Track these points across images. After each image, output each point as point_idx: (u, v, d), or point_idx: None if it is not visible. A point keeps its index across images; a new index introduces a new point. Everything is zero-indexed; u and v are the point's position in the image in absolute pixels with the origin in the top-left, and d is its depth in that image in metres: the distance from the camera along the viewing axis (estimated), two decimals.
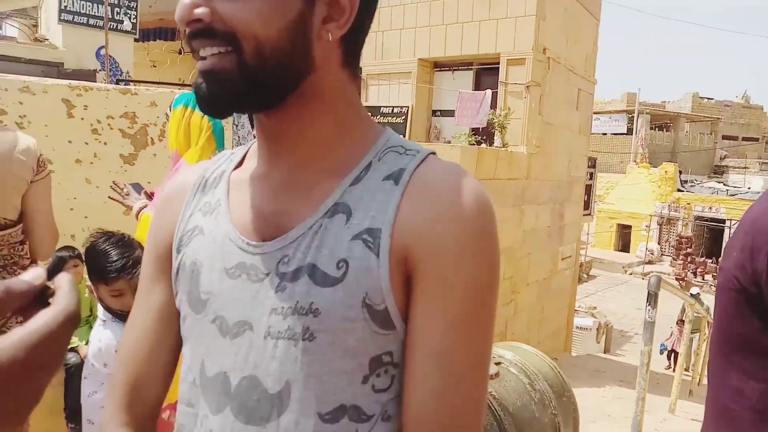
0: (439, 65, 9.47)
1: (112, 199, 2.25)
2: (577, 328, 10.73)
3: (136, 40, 5.90)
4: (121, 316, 1.90)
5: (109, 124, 2.97)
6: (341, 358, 0.65)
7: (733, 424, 0.91)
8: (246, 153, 0.81)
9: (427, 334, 0.65)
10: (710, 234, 23.09)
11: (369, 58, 9.30)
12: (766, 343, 0.86)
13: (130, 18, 5.52)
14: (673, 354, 11.08)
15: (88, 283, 1.94)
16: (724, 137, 37.89)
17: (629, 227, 24.80)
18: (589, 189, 11.11)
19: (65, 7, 5.57)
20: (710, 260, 21.29)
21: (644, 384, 3.81)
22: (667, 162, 26.25)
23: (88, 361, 2.00)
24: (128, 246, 1.90)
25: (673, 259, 21.74)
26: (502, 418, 1.86)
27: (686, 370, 7.43)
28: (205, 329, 0.71)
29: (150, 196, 2.18)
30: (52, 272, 0.53)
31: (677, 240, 22.14)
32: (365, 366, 0.66)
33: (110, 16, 5.23)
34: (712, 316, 0.99)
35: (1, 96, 2.63)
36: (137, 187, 2.25)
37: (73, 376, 2.43)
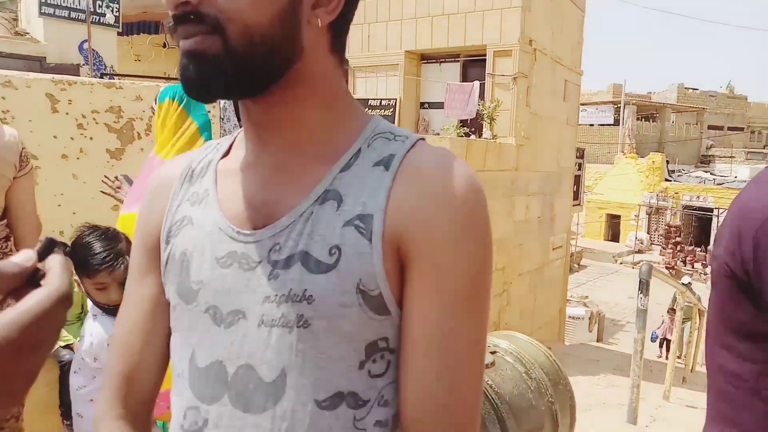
0: (425, 57, 9.46)
1: (103, 193, 2.22)
2: (570, 317, 10.81)
3: (119, 34, 5.81)
4: (110, 310, 1.89)
5: (94, 119, 2.92)
6: (337, 345, 0.65)
7: (732, 405, 0.92)
8: (233, 142, 0.80)
9: (423, 317, 0.65)
10: (698, 223, 23.32)
11: (356, 50, 9.27)
12: (759, 327, 0.87)
13: (112, 11, 5.43)
14: (665, 342, 11.18)
15: (76, 277, 1.91)
16: (710, 127, 38.27)
17: (618, 217, 25.00)
18: (578, 179, 11.18)
19: (46, 0, 5.48)
20: (699, 249, 21.51)
21: (638, 371, 3.84)
22: (654, 152, 26.47)
23: (78, 356, 1.99)
24: (112, 239, 1.88)
25: (663, 248, 21.93)
26: (499, 406, 1.85)
27: (679, 357, 7.50)
28: (197, 319, 0.71)
29: None
30: (43, 254, 0.53)
31: (666, 229, 22.34)
32: (361, 352, 0.66)
33: (92, 9, 5.14)
34: (709, 302, 0.99)
35: None
36: (129, 180, 2.22)
37: (68, 373, 2.43)
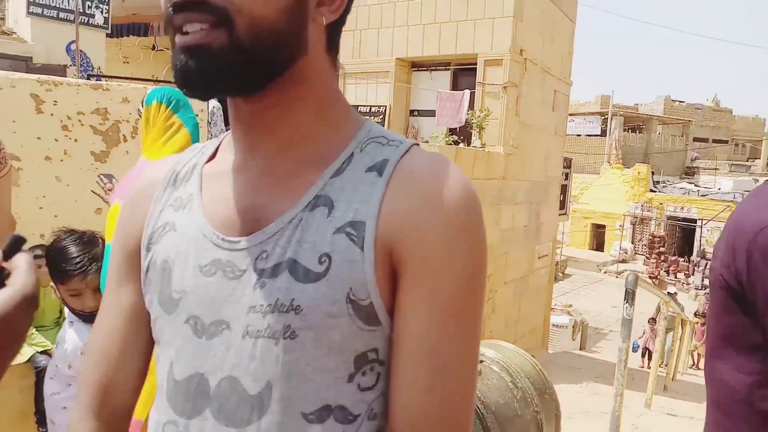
0: (416, 65, 9.48)
1: (94, 192, 2.19)
2: (554, 325, 10.86)
3: (108, 35, 5.75)
4: (85, 316, 1.85)
5: (79, 120, 2.88)
6: (325, 356, 0.63)
7: (729, 417, 0.93)
8: (219, 145, 0.77)
9: (416, 326, 0.63)
10: (682, 233, 23.54)
11: (347, 56, 9.27)
12: (754, 338, 0.89)
13: (102, 12, 5.37)
14: (647, 352, 11.25)
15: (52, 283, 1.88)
16: (695, 139, 38.71)
17: (603, 227, 25.18)
18: (564, 189, 11.23)
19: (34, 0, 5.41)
20: (682, 259, 21.70)
21: (622, 380, 3.85)
22: (640, 163, 26.71)
23: (53, 363, 1.95)
24: (88, 244, 1.84)
25: (647, 257, 22.10)
26: (485, 416, 1.85)
27: (661, 365, 7.55)
28: (177, 330, 0.68)
29: None
30: (9, 253, 0.51)
31: (650, 239, 22.52)
32: (350, 364, 0.64)
33: (81, 10, 5.08)
34: (707, 315, 1.01)
35: None
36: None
37: (44, 379, 2.39)
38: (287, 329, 0.63)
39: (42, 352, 2.33)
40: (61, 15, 5.08)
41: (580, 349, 11.45)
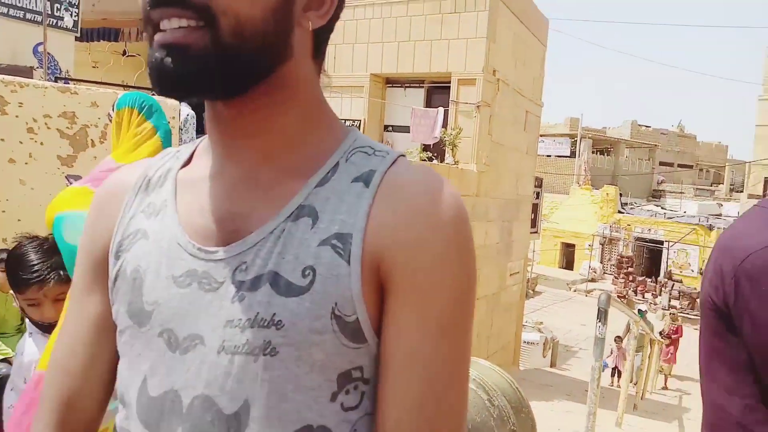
0: (391, 81, 9.54)
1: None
2: (525, 342, 10.89)
3: (77, 39, 5.62)
4: (45, 327, 1.74)
5: (46, 123, 2.79)
6: (307, 374, 0.60)
7: None
8: (194, 150, 0.73)
9: (407, 343, 0.60)
10: (650, 254, 24.00)
11: None
12: (744, 360, 0.89)
13: (71, 15, 5.24)
14: (616, 371, 11.34)
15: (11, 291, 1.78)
16: (661, 163, 39.75)
17: (573, 246, 25.54)
18: (535, 208, 11.36)
19: None
20: (650, 279, 22.09)
21: (595, 399, 3.85)
22: (609, 185, 27.27)
23: (13, 374, 1.84)
24: (48, 251, 1.74)
25: (615, 277, 22.45)
26: None
27: (632, 382, 7.63)
28: (151, 343, 0.64)
29: None
30: None
31: (618, 259, 22.90)
32: (333, 382, 0.61)
33: (49, 12, 4.94)
34: (699, 339, 1.01)
35: None
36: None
37: (5, 389, 2.27)
38: (267, 345, 0.59)
39: (2, 360, 2.22)
40: (28, 16, 4.94)
41: (551, 367, 11.51)
